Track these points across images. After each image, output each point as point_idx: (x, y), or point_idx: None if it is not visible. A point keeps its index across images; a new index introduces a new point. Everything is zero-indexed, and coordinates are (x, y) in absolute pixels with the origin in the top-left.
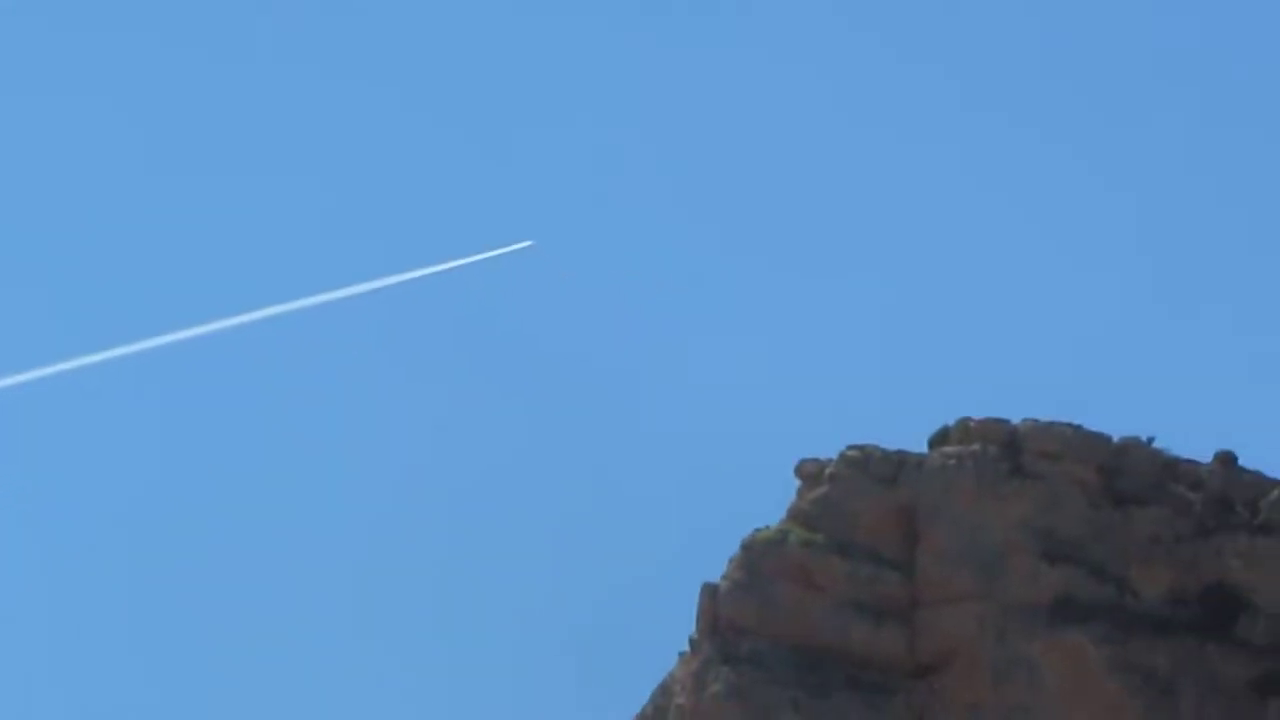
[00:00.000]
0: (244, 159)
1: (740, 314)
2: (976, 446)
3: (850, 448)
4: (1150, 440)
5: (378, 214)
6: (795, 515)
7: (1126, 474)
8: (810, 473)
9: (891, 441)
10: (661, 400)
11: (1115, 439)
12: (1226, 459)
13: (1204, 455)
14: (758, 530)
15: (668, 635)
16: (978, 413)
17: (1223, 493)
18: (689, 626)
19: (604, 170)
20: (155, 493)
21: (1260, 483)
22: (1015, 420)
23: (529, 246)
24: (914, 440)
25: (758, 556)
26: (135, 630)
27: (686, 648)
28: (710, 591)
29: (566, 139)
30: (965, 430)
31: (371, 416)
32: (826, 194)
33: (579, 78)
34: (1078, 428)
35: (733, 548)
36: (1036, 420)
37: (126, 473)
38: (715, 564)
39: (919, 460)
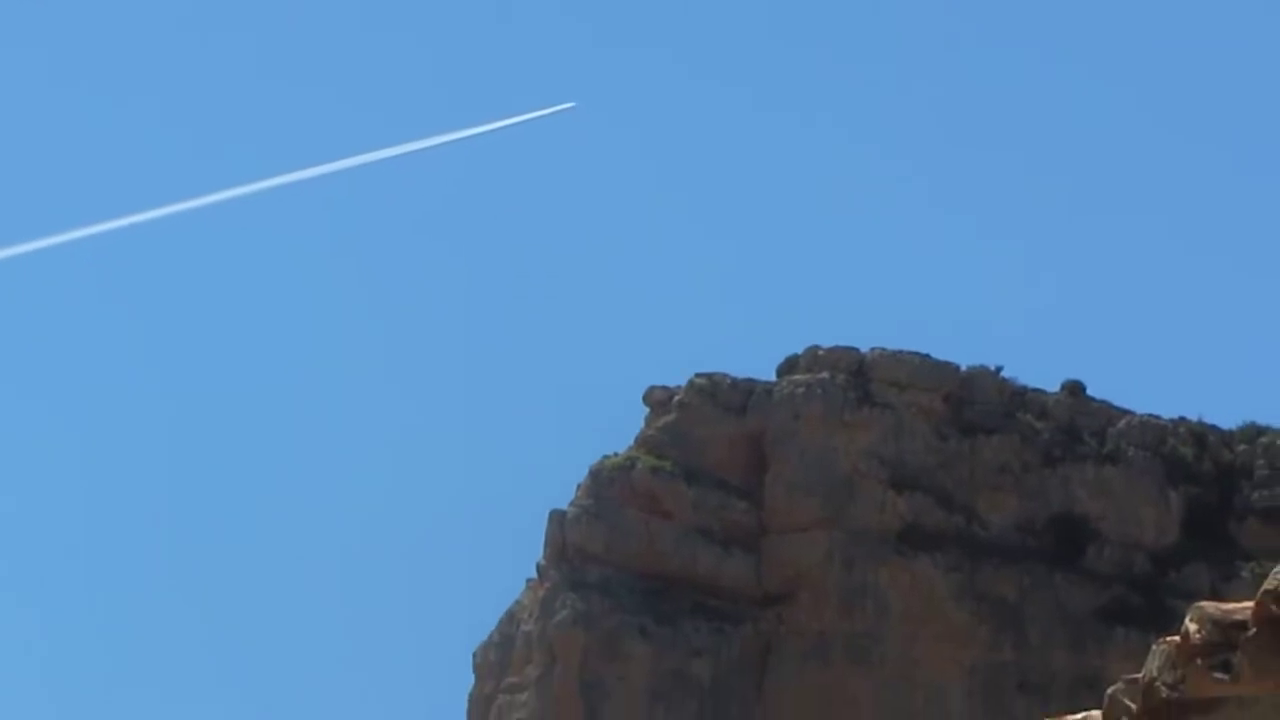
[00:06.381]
0: (289, 28)
1: (660, 227)
2: (825, 375)
3: (699, 375)
4: (998, 370)
5: (421, 77)
6: (643, 442)
7: (974, 403)
8: (659, 400)
9: (740, 370)
10: (570, 308)
11: (963, 368)
12: (1074, 389)
13: (1051, 385)
14: (605, 457)
15: (515, 562)
16: (826, 341)
17: (1070, 422)
18: (536, 553)
19: (646, 32)
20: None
21: (1108, 412)
22: (864, 349)
23: (571, 108)
24: (763, 368)
25: (605, 483)
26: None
27: (534, 574)
28: (558, 519)
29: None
30: (814, 358)
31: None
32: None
33: None
34: (925, 357)
35: (580, 474)
36: (885, 349)
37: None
38: (563, 491)
39: (767, 388)
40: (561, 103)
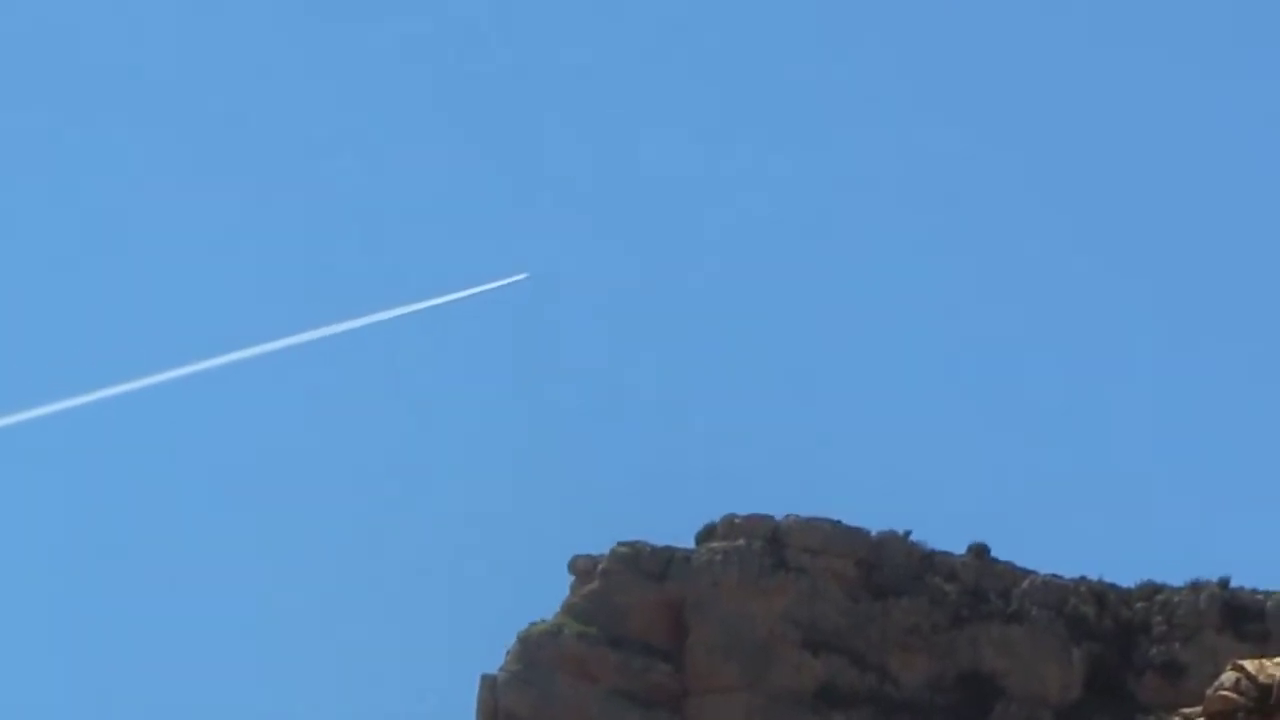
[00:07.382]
0: (249, 200)
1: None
2: (741, 542)
3: (621, 544)
4: (907, 534)
5: (374, 247)
6: (569, 609)
7: (885, 567)
8: (583, 568)
9: (660, 538)
10: (500, 479)
11: (873, 533)
12: (980, 551)
13: (958, 547)
14: (533, 624)
15: None
16: (742, 509)
17: (976, 584)
18: (468, 717)
19: (599, 202)
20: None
21: (1012, 573)
22: (778, 516)
23: (524, 279)
24: (682, 536)
25: (534, 649)
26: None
27: None
28: (489, 683)
29: (562, 170)
30: (730, 526)
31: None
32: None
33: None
34: (837, 523)
35: (508, 640)
36: (798, 516)
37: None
38: (492, 656)
39: (686, 555)
40: (515, 274)
